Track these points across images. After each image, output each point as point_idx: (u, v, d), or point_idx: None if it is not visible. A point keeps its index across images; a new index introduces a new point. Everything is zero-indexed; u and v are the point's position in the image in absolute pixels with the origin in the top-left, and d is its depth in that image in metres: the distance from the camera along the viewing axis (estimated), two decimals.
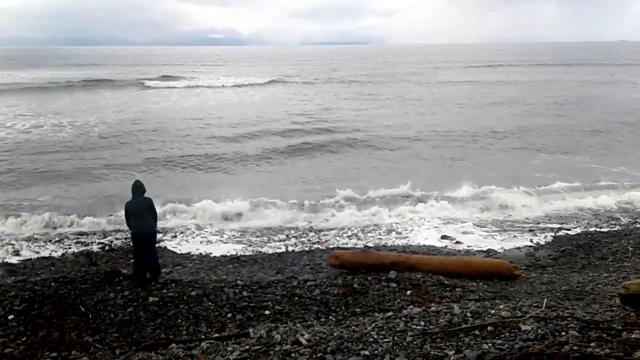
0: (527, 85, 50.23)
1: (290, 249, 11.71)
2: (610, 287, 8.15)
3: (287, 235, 12.65)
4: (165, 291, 7.90)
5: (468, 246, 11.83)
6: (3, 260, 10.86)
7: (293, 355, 4.88)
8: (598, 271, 9.51)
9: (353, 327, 5.65)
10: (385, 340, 5.08)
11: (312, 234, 12.76)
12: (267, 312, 7.25)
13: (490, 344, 4.72)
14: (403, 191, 15.50)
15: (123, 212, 8.93)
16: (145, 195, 8.78)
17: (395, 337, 5.12)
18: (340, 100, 39.84)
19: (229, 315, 7.20)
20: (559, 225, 13.17)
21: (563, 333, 4.87)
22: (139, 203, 8.52)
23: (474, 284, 8.54)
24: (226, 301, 7.56)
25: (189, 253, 11.42)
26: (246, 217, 13.68)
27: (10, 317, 7.10)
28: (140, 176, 16.93)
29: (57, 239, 12.22)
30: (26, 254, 11.27)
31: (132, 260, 9.28)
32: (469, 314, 5.65)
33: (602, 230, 12.64)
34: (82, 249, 11.60)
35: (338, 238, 12.47)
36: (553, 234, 12.51)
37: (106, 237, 12.35)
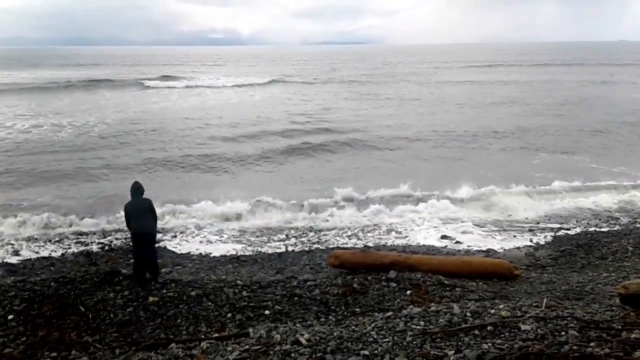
0: (527, 85, 50.23)
1: (290, 249, 11.71)
2: (610, 286, 8.16)
3: (287, 235, 12.66)
4: (165, 291, 7.90)
5: (468, 246, 11.83)
6: (3, 260, 10.86)
7: (293, 355, 4.88)
8: (598, 271, 9.52)
9: (353, 327, 5.65)
10: (385, 340, 5.08)
11: (312, 233, 12.76)
12: (266, 312, 7.25)
13: (490, 344, 4.72)
14: (403, 191, 15.51)
15: (123, 213, 8.93)
16: (145, 195, 8.80)
17: (395, 337, 5.12)
18: (340, 100, 39.85)
19: (229, 315, 7.20)
20: (559, 225, 13.17)
21: (563, 333, 4.87)
22: (139, 204, 8.53)
23: (474, 283, 8.54)
24: (226, 301, 7.56)
25: (188, 253, 11.42)
26: (246, 217, 13.68)
27: (10, 317, 7.10)
28: (140, 176, 16.96)
29: (57, 239, 12.21)
30: (26, 254, 11.27)
31: (131, 260, 9.28)
32: (468, 314, 5.65)
33: (602, 230, 12.64)
34: (81, 249, 11.59)
35: (338, 238, 12.47)
36: (553, 233, 12.51)
37: (106, 237, 12.35)
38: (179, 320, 7.12)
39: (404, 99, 40.20)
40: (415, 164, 20.13)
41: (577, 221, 13.53)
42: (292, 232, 12.89)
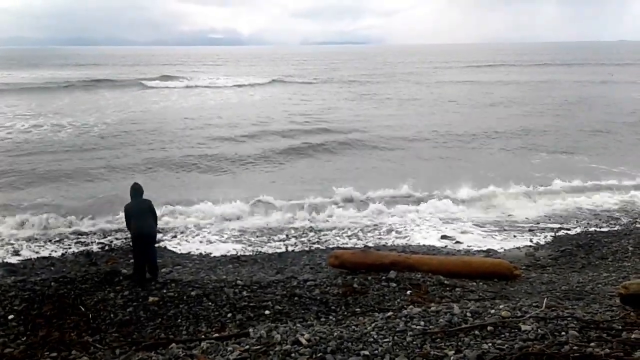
0: (527, 85, 50.25)
1: (290, 248, 11.71)
2: (610, 287, 8.15)
3: (287, 235, 12.65)
4: (165, 291, 7.90)
5: (468, 246, 11.83)
6: (3, 260, 10.85)
7: (293, 355, 4.88)
8: (598, 271, 9.52)
9: (353, 327, 5.65)
10: (385, 340, 5.08)
11: (312, 233, 12.76)
12: (267, 312, 7.25)
13: (490, 344, 4.72)
14: (403, 191, 15.51)
15: (123, 214, 8.93)
16: (145, 195, 8.80)
17: (395, 337, 5.12)
18: (340, 100, 39.85)
19: (229, 315, 7.20)
20: (559, 225, 13.17)
21: (563, 333, 4.87)
22: (139, 205, 8.53)
23: (474, 283, 8.54)
24: (226, 301, 7.56)
25: (188, 253, 11.42)
26: (246, 217, 13.67)
27: (10, 317, 7.10)
28: (140, 176, 16.98)
29: (57, 239, 12.21)
30: (26, 254, 11.26)
31: (131, 261, 9.28)
32: (468, 314, 5.65)
33: (602, 230, 12.64)
34: (82, 249, 11.59)
35: (338, 238, 12.47)
36: (553, 233, 12.51)
37: (106, 237, 12.34)
38: (179, 320, 7.12)
39: (403, 99, 40.20)
40: (415, 163, 20.13)
41: (577, 221, 13.53)
42: (292, 232, 12.89)
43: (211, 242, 12.21)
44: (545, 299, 6.75)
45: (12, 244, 11.78)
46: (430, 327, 5.34)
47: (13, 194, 15.45)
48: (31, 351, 6.22)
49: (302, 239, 12.37)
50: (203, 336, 6.40)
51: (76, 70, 77.16)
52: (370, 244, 11.93)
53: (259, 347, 5.21)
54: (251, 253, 11.44)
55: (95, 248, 11.63)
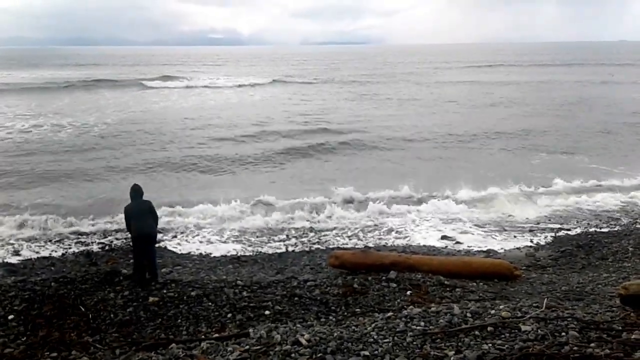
0: (527, 85, 50.25)
1: (290, 249, 11.71)
2: (610, 287, 8.15)
3: (287, 236, 12.65)
4: (165, 291, 7.90)
5: (468, 246, 11.83)
6: (3, 260, 10.86)
7: (293, 355, 4.88)
8: (598, 271, 9.51)
9: (353, 327, 5.65)
10: (385, 340, 5.08)
11: (312, 234, 12.76)
12: (267, 312, 7.26)
13: (490, 345, 4.72)
14: (403, 191, 15.51)
15: (123, 214, 8.93)
16: (145, 195, 8.80)
17: (395, 338, 5.12)
18: (340, 101, 39.86)
19: (229, 315, 7.20)
20: (559, 226, 13.17)
21: (563, 333, 4.87)
22: (139, 206, 8.53)
23: (474, 284, 8.54)
24: (226, 301, 7.56)
25: (189, 253, 11.42)
26: (246, 217, 13.67)
27: (10, 317, 7.10)
28: (140, 176, 16.99)
29: (57, 239, 12.21)
30: (26, 254, 11.27)
31: (131, 261, 9.28)
32: (469, 314, 5.65)
33: (602, 230, 12.64)
34: (82, 249, 11.59)
35: (338, 238, 12.47)
36: (553, 234, 12.51)
37: (106, 237, 12.34)
38: (179, 321, 7.12)
39: (403, 99, 40.21)
40: (415, 164, 20.13)
41: (577, 222, 13.53)
42: (292, 232, 12.89)
43: (211, 243, 12.21)
44: (546, 299, 6.75)
45: (12, 244, 11.78)
46: (431, 327, 5.34)
47: (13, 194, 15.45)
48: (31, 351, 6.22)
49: (302, 239, 12.37)
50: (203, 336, 6.41)
51: (76, 70, 77.18)
52: (370, 245, 11.93)
53: (259, 347, 5.21)
54: (251, 253, 11.44)
55: (95, 248, 11.63)
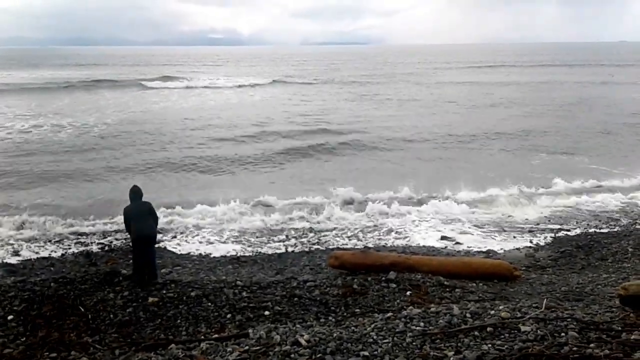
0: (527, 85, 50.27)
1: (289, 249, 11.71)
2: (609, 288, 8.15)
3: (286, 236, 12.65)
4: (164, 292, 7.90)
5: (468, 247, 11.82)
6: (3, 260, 10.85)
7: (292, 356, 4.88)
8: (598, 272, 9.51)
9: (352, 327, 5.65)
10: (385, 341, 5.08)
11: (311, 234, 12.75)
12: (266, 312, 7.25)
13: (489, 345, 4.72)
14: (403, 192, 15.51)
15: (122, 215, 8.93)
16: (145, 195, 8.80)
17: (395, 338, 5.12)
18: (340, 101, 39.86)
19: (229, 315, 7.20)
20: (559, 226, 13.16)
21: (562, 334, 4.87)
22: (138, 207, 8.54)
23: (474, 284, 8.54)
24: (226, 302, 7.56)
25: (188, 253, 11.41)
26: (246, 218, 13.67)
27: (10, 317, 7.10)
28: (139, 177, 16.99)
29: (57, 239, 12.20)
30: (26, 254, 11.26)
31: (131, 261, 9.27)
32: (468, 315, 5.66)
33: (602, 231, 12.63)
34: (81, 249, 11.58)
35: (338, 239, 12.46)
36: (553, 234, 12.50)
37: (106, 237, 12.34)
38: (178, 321, 7.12)
39: (403, 100, 40.22)
40: (415, 164, 20.13)
41: (577, 222, 13.52)
42: (292, 232, 12.89)
43: (211, 243, 12.20)
44: (545, 300, 6.75)
45: (12, 244, 11.77)
46: (430, 328, 5.34)
47: (13, 195, 15.45)
48: (31, 352, 6.22)
49: (302, 240, 12.37)
50: (202, 337, 6.41)
51: (76, 70, 77.23)
52: (370, 245, 11.92)
53: (258, 347, 5.21)
54: (251, 254, 11.43)
55: (95, 248, 11.62)
